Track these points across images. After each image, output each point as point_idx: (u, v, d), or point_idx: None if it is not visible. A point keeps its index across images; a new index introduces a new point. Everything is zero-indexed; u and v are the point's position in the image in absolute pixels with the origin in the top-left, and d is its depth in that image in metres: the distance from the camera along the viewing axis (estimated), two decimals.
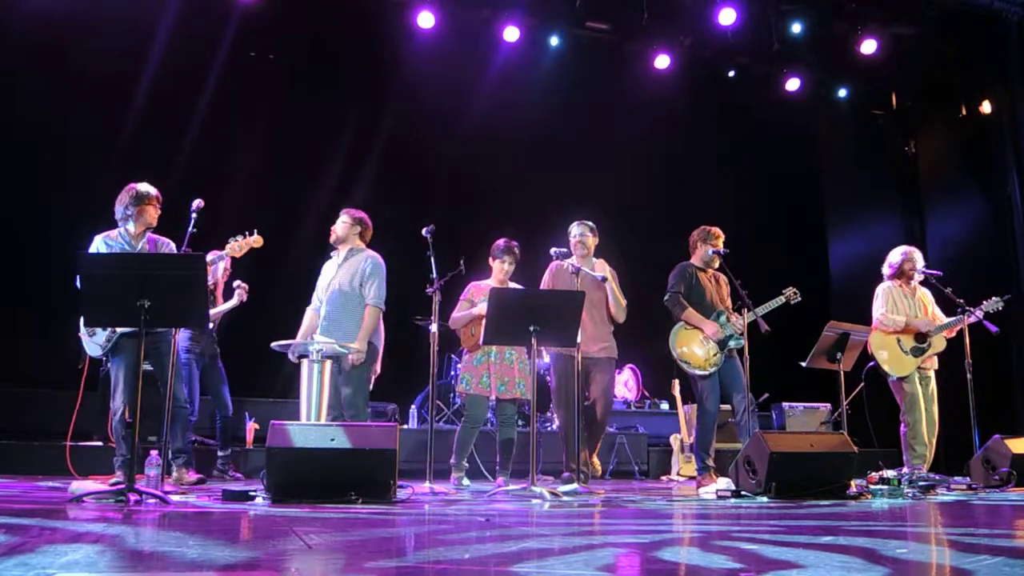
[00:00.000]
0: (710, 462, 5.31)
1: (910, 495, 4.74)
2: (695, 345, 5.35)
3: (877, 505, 4.12)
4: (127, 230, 4.66)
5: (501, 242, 5.39)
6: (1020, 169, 8.14)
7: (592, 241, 5.38)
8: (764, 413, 8.10)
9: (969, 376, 5.79)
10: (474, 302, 5.29)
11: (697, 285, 5.46)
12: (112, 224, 4.72)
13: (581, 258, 5.31)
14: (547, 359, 5.79)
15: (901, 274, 5.96)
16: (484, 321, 4.61)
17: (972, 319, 5.73)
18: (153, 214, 4.71)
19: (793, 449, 4.56)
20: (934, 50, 8.75)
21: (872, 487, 4.80)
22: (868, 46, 8.53)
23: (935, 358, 5.89)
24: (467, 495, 4.55)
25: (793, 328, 5.99)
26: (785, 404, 7.96)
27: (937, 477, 5.21)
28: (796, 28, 8.55)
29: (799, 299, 5.44)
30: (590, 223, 5.42)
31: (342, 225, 5.02)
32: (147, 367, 4.45)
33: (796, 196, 9.96)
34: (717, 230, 5.59)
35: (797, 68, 9.12)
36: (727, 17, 8.19)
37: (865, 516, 3.39)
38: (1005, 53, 8.24)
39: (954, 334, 5.86)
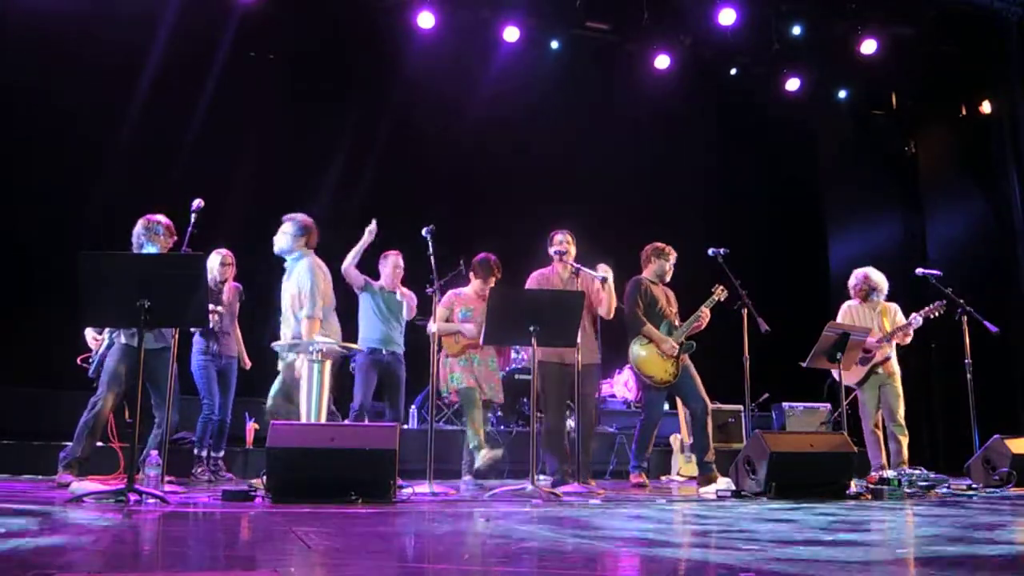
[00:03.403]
0: (644, 464, 5.65)
1: (910, 495, 4.74)
2: (655, 364, 5.51)
3: (877, 505, 4.12)
4: None
5: (483, 258, 5.46)
6: (1020, 169, 8.15)
7: (573, 250, 5.40)
8: (764, 413, 8.10)
9: (969, 376, 5.81)
10: (454, 311, 5.34)
11: (651, 298, 5.64)
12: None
13: (564, 266, 5.34)
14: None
15: (857, 295, 6.15)
16: (484, 321, 4.62)
17: (915, 325, 5.85)
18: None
19: (793, 449, 4.56)
20: (934, 50, 8.75)
21: (872, 487, 4.79)
22: (868, 46, 8.53)
23: (893, 361, 5.94)
24: (468, 495, 4.56)
25: (793, 328, 6.00)
26: (785, 404, 7.96)
27: (937, 477, 5.20)
28: (796, 28, 8.56)
29: (727, 294, 5.54)
30: (569, 232, 5.43)
31: (281, 236, 4.85)
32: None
33: (796, 196, 9.95)
34: (669, 247, 5.79)
35: (797, 68, 9.11)
36: (727, 17, 8.19)
37: (865, 516, 3.39)
38: (1005, 53, 8.24)
39: (908, 339, 5.94)
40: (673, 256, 5.77)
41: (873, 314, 6.05)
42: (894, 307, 6.13)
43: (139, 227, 4.76)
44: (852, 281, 6.23)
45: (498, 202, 8.64)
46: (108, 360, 4.64)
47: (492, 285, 5.43)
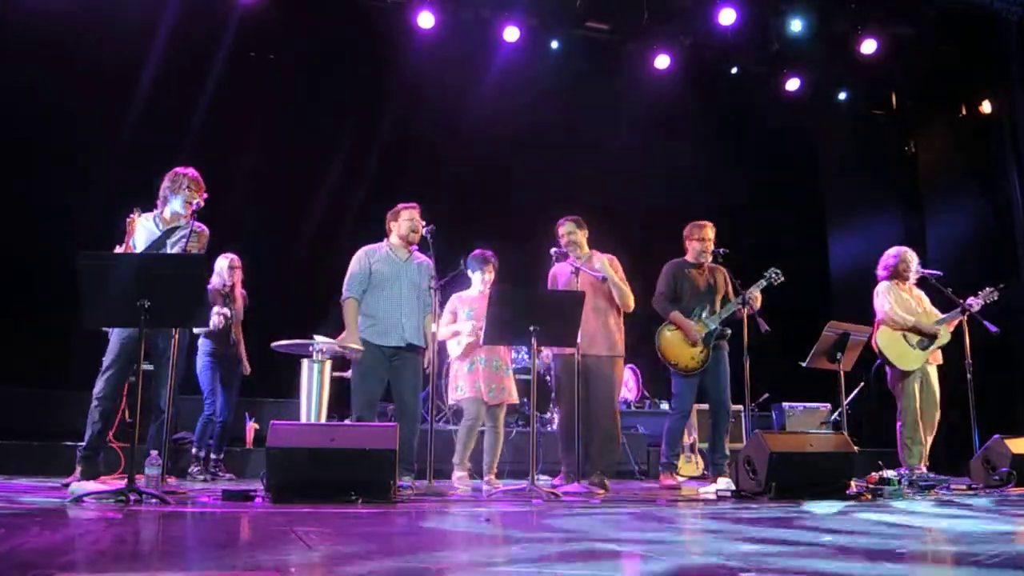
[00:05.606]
0: (675, 462, 5.47)
1: (910, 495, 4.74)
2: (680, 350, 5.43)
3: (877, 505, 4.12)
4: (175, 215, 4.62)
5: (478, 253, 5.42)
6: (1020, 169, 8.15)
7: (582, 236, 5.37)
8: (764, 413, 8.10)
9: (969, 376, 5.79)
10: (458, 314, 5.31)
11: (684, 282, 5.53)
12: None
13: (576, 257, 5.31)
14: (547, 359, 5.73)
15: (896, 275, 6.00)
16: (484, 322, 4.61)
17: (970, 310, 5.75)
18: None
19: (793, 449, 4.56)
20: (934, 50, 8.74)
21: (872, 487, 4.79)
22: (868, 46, 8.52)
23: (939, 352, 5.89)
24: (469, 493, 4.56)
25: (793, 328, 5.99)
26: (785, 404, 7.96)
27: (937, 477, 5.21)
28: (796, 28, 8.55)
29: (782, 279, 5.47)
30: (574, 218, 5.41)
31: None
32: (147, 366, 4.45)
33: (796, 196, 9.95)
34: (704, 223, 5.64)
35: (797, 68, 9.11)
36: (727, 17, 8.19)
37: (865, 516, 3.39)
38: (1005, 53, 8.24)
39: (952, 327, 5.87)
40: (705, 231, 5.58)
41: (911, 296, 5.93)
42: (923, 293, 6.03)
43: (164, 182, 4.62)
44: (887, 260, 6.02)
45: (498, 201, 8.63)
46: (112, 339, 4.50)
47: (490, 278, 5.39)
